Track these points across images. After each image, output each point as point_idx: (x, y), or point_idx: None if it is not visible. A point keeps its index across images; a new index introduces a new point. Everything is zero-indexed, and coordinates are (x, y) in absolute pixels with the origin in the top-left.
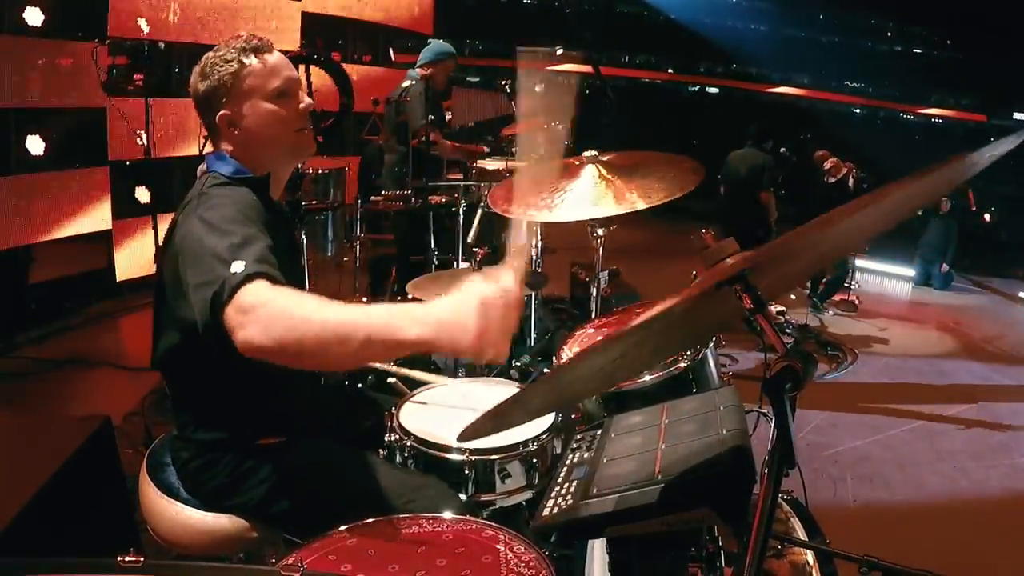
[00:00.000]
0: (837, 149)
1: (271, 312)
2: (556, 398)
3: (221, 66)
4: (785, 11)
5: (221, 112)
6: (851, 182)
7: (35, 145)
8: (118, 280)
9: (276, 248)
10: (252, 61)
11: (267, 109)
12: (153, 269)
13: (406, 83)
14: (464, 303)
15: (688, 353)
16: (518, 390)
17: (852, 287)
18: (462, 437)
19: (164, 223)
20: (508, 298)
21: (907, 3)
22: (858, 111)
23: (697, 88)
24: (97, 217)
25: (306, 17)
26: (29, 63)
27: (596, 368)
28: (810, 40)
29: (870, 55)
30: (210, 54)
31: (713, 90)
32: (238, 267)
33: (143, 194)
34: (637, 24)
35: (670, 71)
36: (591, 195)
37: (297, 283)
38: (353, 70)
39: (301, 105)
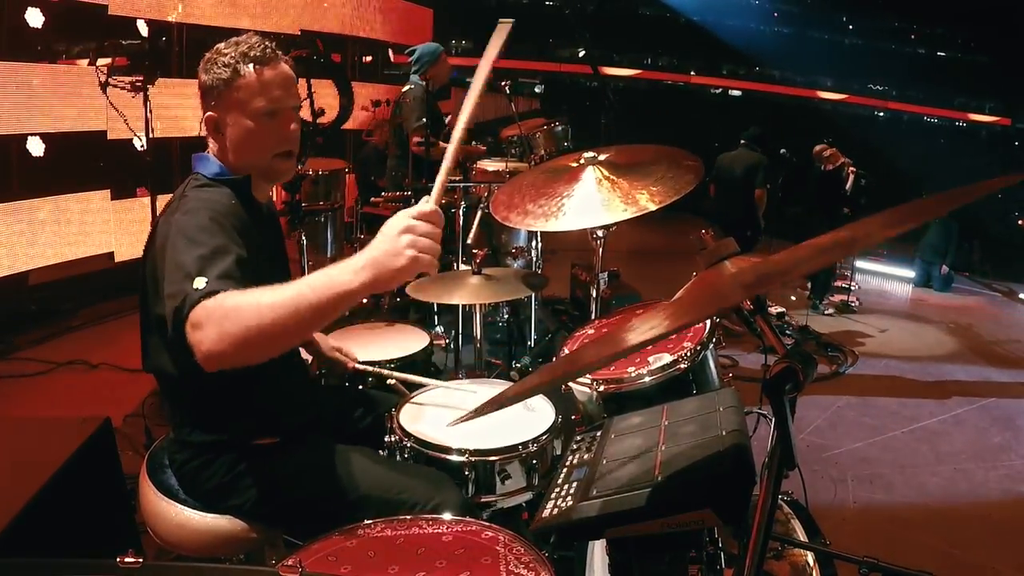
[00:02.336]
0: (860, 153)
1: (220, 317)
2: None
3: (218, 68)
4: (808, 13)
5: (208, 113)
6: (849, 177)
7: (37, 167)
8: (116, 261)
9: (255, 250)
10: (248, 71)
11: (247, 127)
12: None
13: (407, 87)
14: (386, 236)
15: (688, 355)
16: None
17: (852, 287)
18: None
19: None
20: (424, 216)
21: (931, 5)
22: (881, 114)
23: (720, 90)
24: (100, 241)
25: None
26: (30, 84)
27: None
28: (833, 43)
29: (893, 58)
30: (221, 46)
31: (736, 92)
32: (200, 283)
33: (142, 195)
34: (659, 26)
35: (692, 73)
36: (595, 201)
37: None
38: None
39: (290, 127)
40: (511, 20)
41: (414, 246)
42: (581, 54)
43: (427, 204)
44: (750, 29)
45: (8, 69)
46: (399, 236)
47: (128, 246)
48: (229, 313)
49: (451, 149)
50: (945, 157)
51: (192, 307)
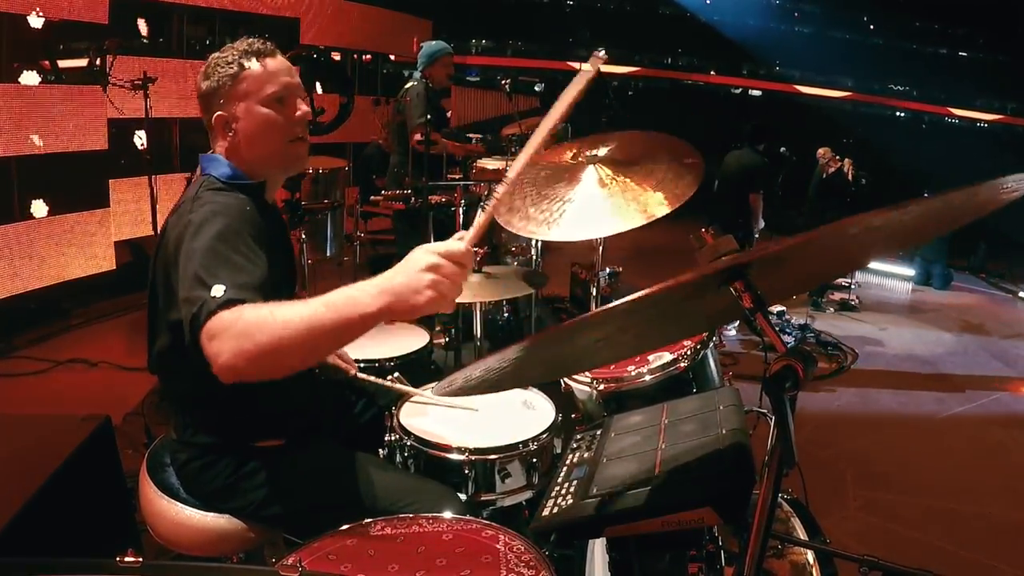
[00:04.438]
0: (881, 155)
1: (235, 332)
2: (537, 367)
3: (222, 67)
4: (828, 13)
5: (218, 113)
6: (849, 173)
7: (37, 190)
8: (113, 241)
9: (269, 256)
10: (252, 64)
11: (261, 113)
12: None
13: (408, 84)
14: (412, 266)
15: (688, 353)
16: (503, 352)
17: (852, 287)
18: (438, 390)
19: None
20: (454, 256)
21: (952, 5)
22: (902, 115)
23: (740, 90)
24: (100, 258)
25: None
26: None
27: (578, 346)
28: (854, 42)
29: (914, 58)
30: (215, 54)
31: (756, 93)
32: (218, 291)
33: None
34: (680, 26)
35: (713, 73)
36: (605, 208)
37: (289, 287)
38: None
39: (298, 113)
40: (600, 60)
41: (435, 286)
42: (601, 53)
43: (460, 243)
44: (770, 28)
45: (9, 88)
46: (422, 272)
47: (127, 227)
48: (246, 329)
49: (487, 212)
50: (966, 158)
51: (209, 316)
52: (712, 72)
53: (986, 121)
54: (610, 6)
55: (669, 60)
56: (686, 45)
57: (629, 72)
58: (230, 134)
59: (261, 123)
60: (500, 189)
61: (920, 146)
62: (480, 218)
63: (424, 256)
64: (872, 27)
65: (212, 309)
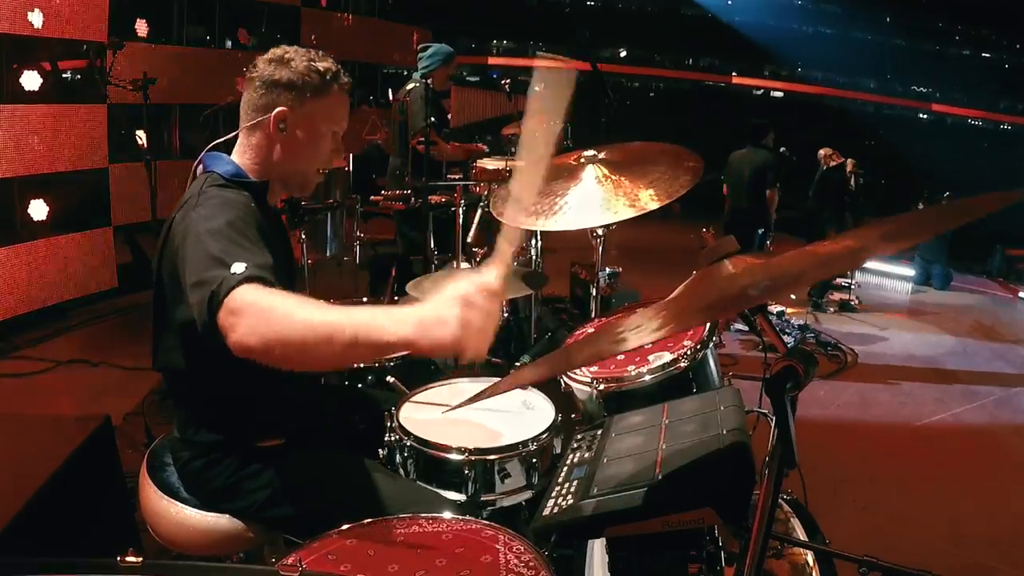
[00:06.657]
0: (901, 157)
1: (257, 312)
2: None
3: (311, 72)
4: (850, 14)
5: (281, 108)
6: (851, 177)
7: (38, 210)
8: (116, 226)
9: (272, 255)
10: (337, 92)
11: (319, 136)
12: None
13: (409, 85)
14: (444, 303)
15: (688, 353)
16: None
17: (852, 287)
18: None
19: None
20: (488, 295)
21: (975, 5)
22: (924, 116)
23: (761, 92)
24: (100, 278)
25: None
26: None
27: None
28: (876, 44)
29: (937, 59)
30: (301, 51)
31: (778, 94)
32: (238, 268)
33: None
34: (701, 26)
35: (734, 74)
36: (595, 200)
37: (288, 287)
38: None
39: (337, 153)
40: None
41: (463, 319)
42: (623, 54)
43: (491, 279)
44: (792, 30)
45: (8, 108)
46: (453, 305)
47: (126, 213)
48: (268, 313)
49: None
50: (988, 161)
51: (230, 290)
52: (734, 74)
53: (1009, 123)
54: (632, 7)
55: (690, 61)
56: (708, 46)
57: (650, 73)
58: (276, 132)
59: (313, 143)
60: (513, 212)
61: (942, 148)
62: (503, 249)
63: (459, 286)
64: (895, 29)
65: (233, 284)
